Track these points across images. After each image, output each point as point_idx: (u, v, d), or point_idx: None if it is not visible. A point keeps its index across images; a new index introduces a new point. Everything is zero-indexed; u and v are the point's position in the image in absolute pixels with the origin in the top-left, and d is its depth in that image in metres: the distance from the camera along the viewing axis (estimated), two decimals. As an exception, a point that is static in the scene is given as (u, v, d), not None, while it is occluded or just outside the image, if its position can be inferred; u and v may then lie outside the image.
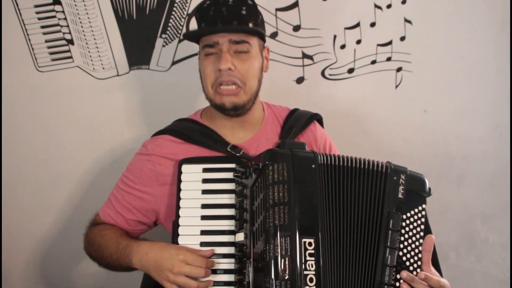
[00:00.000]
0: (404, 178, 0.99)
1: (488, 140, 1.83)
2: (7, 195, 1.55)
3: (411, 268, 0.94)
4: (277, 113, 1.25)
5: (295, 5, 1.53)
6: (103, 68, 1.48)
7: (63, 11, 1.41)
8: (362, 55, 1.64)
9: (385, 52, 1.65)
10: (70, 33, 1.43)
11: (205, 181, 1.05)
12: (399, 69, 1.69)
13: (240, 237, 0.98)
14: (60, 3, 1.40)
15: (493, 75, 1.76)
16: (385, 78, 1.68)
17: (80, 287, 1.69)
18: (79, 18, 1.42)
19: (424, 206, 0.99)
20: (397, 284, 0.92)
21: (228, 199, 1.04)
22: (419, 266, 0.95)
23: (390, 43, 1.65)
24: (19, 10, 1.39)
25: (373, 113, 1.72)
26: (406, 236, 0.96)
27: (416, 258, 0.95)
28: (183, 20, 1.48)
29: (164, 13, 1.46)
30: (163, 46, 1.49)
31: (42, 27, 1.42)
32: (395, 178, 0.98)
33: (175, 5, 1.46)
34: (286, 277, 0.83)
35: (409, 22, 1.64)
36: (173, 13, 1.47)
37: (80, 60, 1.46)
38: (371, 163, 0.99)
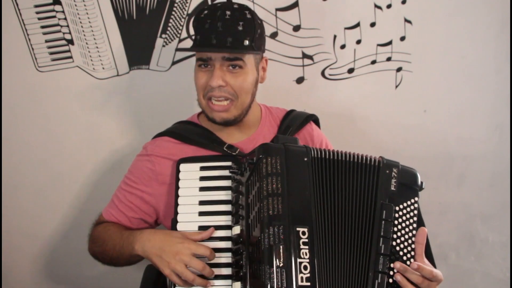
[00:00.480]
0: (396, 172, 1.02)
1: (488, 140, 1.83)
2: (7, 195, 1.55)
3: (404, 258, 0.96)
4: (275, 114, 1.28)
5: (295, 5, 1.54)
6: (103, 68, 1.48)
7: (63, 11, 1.41)
8: (362, 55, 1.64)
9: (385, 52, 1.65)
10: (70, 33, 1.43)
11: (202, 178, 1.08)
12: (399, 69, 1.69)
13: (236, 230, 1.00)
14: (60, 3, 1.40)
15: (493, 75, 1.76)
16: (385, 78, 1.68)
17: (80, 287, 1.69)
18: (79, 18, 1.42)
19: (416, 199, 1.02)
20: (391, 272, 0.94)
21: (225, 195, 1.06)
22: (412, 257, 0.97)
23: (390, 43, 1.65)
24: (19, 10, 1.39)
25: (373, 113, 1.72)
26: (399, 227, 0.98)
27: (409, 248, 0.97)
28: (183, 20, 1.48)
29: (164, 13, 1.46)
30: (163, 46, 1.49)
31: (42, 27, 1.42)
32: (387, 171, 1.01)
33: (175, 5, 1.46)
34: (281, 265, 0.85)
35: (409, 22, 1.64)
36: (173, 13, 1.47)
37: (80, 60, 1.46)
38: (364, 157, 1.02)
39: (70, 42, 1.44)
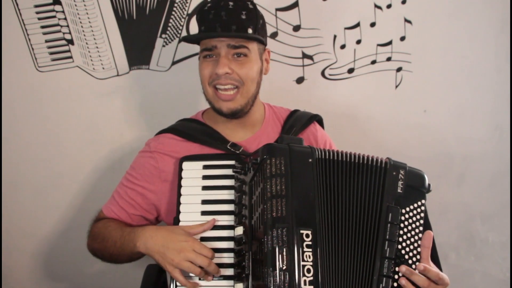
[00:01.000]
0: (403, 174, 1.00)
1: (488, 140, 1.83)
2: (7, 195, 1.55)
3: (409, 261, 0.95)
4: (278, 113, 1.28)
5: (295, 5, 1.54)
6: (103, 68, 1.48)
7: (63, 11, 1.41)
8: (362, 55, 1.64)
9: (385, 52, 1.65)
10: (70, 33, 1.43)
11: (205, 177, 1.07)
12: (399, 69, 1.69)
13: (239, 231, 0.99)
14: (60, 3, 1.40)
15: (493, 75, 1.76)
16: (385, 78, 1.68)
17: (80, 287, 1.69)
18: (79, 18, 1.42)
19: (423, 201, 1.00)
20: (396, 276, 0.93)
21: (228, 195, 1.05)
22: (418, 260, 0.96)
23: (390, 43, 1.65)
24: (19, 10, 1.39)
25: (373, 113, 1.72)
26: (405, 230, 0.97)
27: (415, 252, 0.96)
28: (183, 20, 1.48)
29: (164, 13, 1.46)
30: (163, 46, 1.49)
31: (42, 27, 1.42)
32: (394, 173, 0.99)
33: (175, 5, 1.46)
34: (284, 268, 0.85)
35: (409, 22, 1.64)
36: (173, 13, 1.47)
37: (80, 60, 1.46)
38: (370, 158, 1.00)
39: (70, 42, 1.44)
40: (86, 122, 1.52)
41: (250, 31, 1.07)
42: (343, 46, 1.62)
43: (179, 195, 1.06)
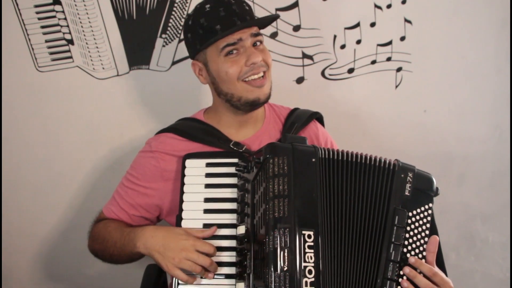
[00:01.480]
0: (411, 176, 0.99)
1: (488, 140, 1.83)
2: (7, 195, 1.55)
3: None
4: (278, 112, 1.27)
5: (295, 5, 1.54)
6: (103, 68, 1.48)
7: (63, 11, 1.41)
8: (362, 55, 1.64)
9: (385, 52, 1.65)
10: (70, 33, 1.43)
11: (208, 175, 1.07)
12: (399, 69, 1.69)
13: (241, 230, 0.99)
14: (60, 3, 1.40)
15: (493, 75, 1.76)
16: (385, 78, 1.68)
17: (80, 287, 1.69)
18: (79, 18, 1.42)
19: (430, 205, 0.99)
20: (400, 280, 0.92)
21: (230, 193, 1.06)
22: None
23: (390, 43, 1.65)
24: (19, 10, 1.39)
25: (373, 113, 1.72)
26: (411, 233, 0.96)
27: (420, 256, 0.95)
28: (183, 20, 1.48)
29: (164, 13, 1.46)
30: (163, 46, 1.49)
31: (42, 27, 1.42)
32: (402, 175, 0.98)
33: (175, 5, 1.46)
34: (285, 269, 0.84)
35: (409, 22, 1.64)
36: (173, 13, 1.47)
37: (80, 60, 1.46)
38: (377, 159, 0.99)
39: (70, 42, 1.44)
40: (86, 122, 1.52)
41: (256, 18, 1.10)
42: (343, 46, 1.62)
43: (182, 193, 1.06)
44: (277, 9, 1.53)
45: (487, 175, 1.87)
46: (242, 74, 1.07)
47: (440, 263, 0.99)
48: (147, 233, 1.00)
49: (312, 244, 0.87)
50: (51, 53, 1.44)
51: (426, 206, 0.98)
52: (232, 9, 1.04)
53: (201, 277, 0.98)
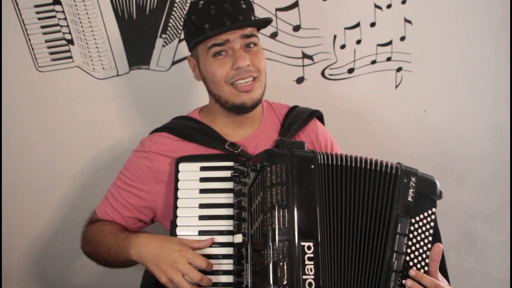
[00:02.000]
0: (414, 181, 0.95)
1: (488, 140, 1.83)
2: (7, 195, 1.55)
3: None
4: (277, 110, 1.24)
5: (295, 5, 1.53)
6: (103, 68, 1.48)
7: (63, 11, 1.41)
8: (362, 55, 1.64)
9: (385, 52, 1.65)
10: (70, 33, 1.43)
11: (202, 180, 1.04)
12: (399, 69, 1.69)
13: (238, 238, 0.97)
14: (60, 3, 1.40)
15: (493, 75, 1.76)
16: (385, 78, 1.68)
17: (80, 287, 1.69)
18: (79, 18, 1.42)
19: (434, 210, 0.95)
20: None
21: (226, 198, 1.02)
22: (426, 273, 0.92)
23: (390, 43, 1.65)
24: (19, 10, 1.39)
25: (373, 113, 1.72)
26: (414, 240, 0.92)
27: (423, 263, 0.92)
28: (183, 20, 1.48)
29: (164, 13, 1.46)
30: (163, 46, 1.49)
31: (42, 27, 1.41)
32: (405, 180, 0.95)
33: (175, 5, 1.46)
34: (284, 282, 0.82)
35: (409, 22, 1.64)
36: (173, 13, 1.47)
37: (80, 60, 1.46)
38: (378, 163, 0.96)
39: (70, 42, 1.44)
40: (86, 122, 1.52)
41: (253, 18, 1.05)
42: (343, 46, 1.62)
43: (176, 198, 1.03)
44: (277, 9, 1.53)
45: (487, 175, 1.87)
46: (229, 77, 1.04)
47: (443, 270, 0.96)
48: (141, 242, 0.97)
49: (312, 255, 0.84)
50: (51, 53, 1.44)
51: (430, 211, 0.95)
52: (223, 7, 1.00)
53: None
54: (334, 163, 0.94)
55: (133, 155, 1.16)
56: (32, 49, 1.43)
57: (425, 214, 0.95)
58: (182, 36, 1.50)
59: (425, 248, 0.93)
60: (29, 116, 1.49)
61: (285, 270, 0.83)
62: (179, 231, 1.01)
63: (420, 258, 0.92)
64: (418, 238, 0.93)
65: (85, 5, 1.41)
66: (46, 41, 1.43)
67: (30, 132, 1.50)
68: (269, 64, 1.52)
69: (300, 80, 1.63)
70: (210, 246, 0.98)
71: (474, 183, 1.86)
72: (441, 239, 0.96)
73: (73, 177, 1.56)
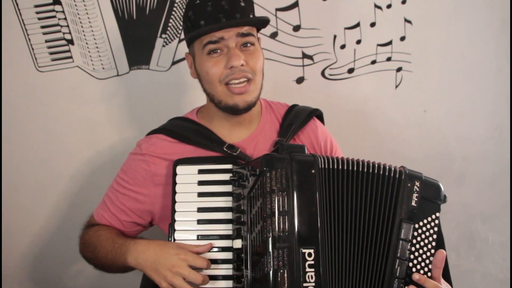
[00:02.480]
0: (418, 185, 0.93)
1: (488, 140, 1.83)
2: (7, 195, 1.55)
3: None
4: (276, 109, 1.21)
5: (295, 5, 1.53)
6: (103, 68, 1.48)
7: (63, 11, 1.41)
8: (362, 55, 1.64)
9: (385, 52, 1.65)
10: (70, 33, 1.43)
11: (201, 183, 1.02)
12: (399, 69, 1.69)
13: (237, 244, 0.95)
14: (60, 3, 1.40)
15: (493, 75, 1.76)
16: (385, 78, 1.68)
17: (81, 287, 1.69)
18: (79, 18, 1.42)
19: (438, 214, 0.93)
20: None
21: (225, 202, 1.00)
22: (429, 278, 0.90)
23: (390, 43, 1.65)
24: (19, 10, 1.39)
25: (373, 113, 1.72)
26: (417, 246, 0.91)
27: (426, 269, 0.91)
28: (182, 15, 1.48)
29: (164, 13, 1.46)
30: (163, 46, 1.49)
31: (42, 27, 1.41)
32: (409, 184, 0.92)
33: (175, 5, 1.46)
34: None
35: (409, 22, 1.64)
36: (173, 13, 1.47)
37: (80, 60, 1.46)
38: (381, 167, 0.94)
39: (70, 42, 1.44)
40: (86, 122, 1.52)
41: (251, 17, 1.03)
42: (343, 46, 1.62)
43: (174, 202, 1.01)
44: (277, 9, 1.53)
45: (487, 175, 1.87)
46: (223, 77, 1.01)
47: (446, 275, 0.95)
48: (138, 248, 0.96)
49: (312, 262, 0.83)
50: (51, 53, 1.44)
51: (433, 216, 0.93)
52: (220, 4, 0.98)
53: None
54: (335, 167, 0.92)
55: (130, 157, 1.14)
56: (32, 49, 1.43)
57: (429, 219, 0.93)
58: (182, 36, 1.50)
59: (428, 254, 0.91)
60: (29, 116, 1.49)
61: (286, 278, 0.82)
62: (177, 235, 0.99)
63: (423, 264, 0.91)
64: (422, 243, 0.91)
65: (85, 5, 1.41)
66: (46, 41, 1.43)
67: (30, 132, 1.50)
68: (269, 64, 1.52)
69: (300, 80, 1.63)
70: (209, 251, 0.97)
71: (474, 183, 1.86)
72: (444, 244, 0.96)
73: (73, 176, 1.56)
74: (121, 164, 1.18)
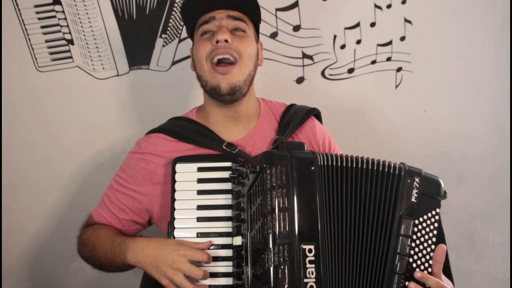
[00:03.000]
0: (418, 181, 0.94)
1: (488, 140, 1.83)
2: (7, 195, 1.55)
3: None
4: (274, 108, 1.23)
5: (295, 5, 1.53)
6: (103, 68, 1.48)
7: (63, 11, 1.41)
8: (362, 55, 1.64)
9: (385, 52, 1.65)
10: (70, 33, 1.43)
11: (200, 181, 1.02)
12: (399, 69, 1.69)
13: (237, 241, 0.95)
14: (60, 3, 1.40)
15: (493, 75, 1.76)
16: (385, 78, 1.68)
17: (81, 287, 1.69)
18: (79, 18, 1.42)
19: (438, 210, 0.94)
20: None
21: (224, 199, 1.01)
22: (429, 274, 0.91)
23: (390, 43, 1.65)
24: (19, 10, 1.39)
25: (373, 113, 1.72)
26: (418, 242, 0.91)
27: (426, 265, 0.91)
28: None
29: (164, 13, 1.46)
30: (163, 46, 1.49)
31: (42, 27, 1.42)
32: (408, 180, 0.93)
33: (175, 5, 1.46)
34: (286, 286, 0.81)
35: (409, 22, 1.64)
36: (173, 13, 1.47)
37: (80, 60, 1.46)
38: (381, 163, 0.94)
39: (70, 42, 1.44)
40: (86, 122, 1.52)
41: (248, 6, 1.08)
42: (343, 46, 1.62)
43: (173, 200, 1.01)
44: (277, 9, 1.53)
45: (487, 175, 1.87)
46: (209, 52, 1.05)
47: (447, 271, 0.95)
48: (138, 246, 0.96)
49: (313, 258, 0.83)
50: (51, 53, 1.44)
51: (434, 212, 0.93)
52: None
53: None
54: (335, 164, 0.92)
55: (129, 156, 1.14)
56: (32, 49, 1.43)
57: (429, 214, 0.93)
58: (182, 36, 1.50)
59: (428, 249, 0.92)
60: (29, 116, 1.49)
61: (286, 274, 0.82)
62: (177, 233, 0.99)
63: (423, 260, 0.91)
64: (422, 239, 0.91)
65: (85, 5, 1.41)
66: (46, 41, 1.43)
67: (30, 132, 1.50)
68: (269, 64, 1.52)
69: (300, 80, 1.63)
70: (210, 248, 0.97)
71: (474, 183, 1.86)
72: (445, 240, 0.96)
73: (72, 176, 1.56)
74: (121, 163, 1.18)
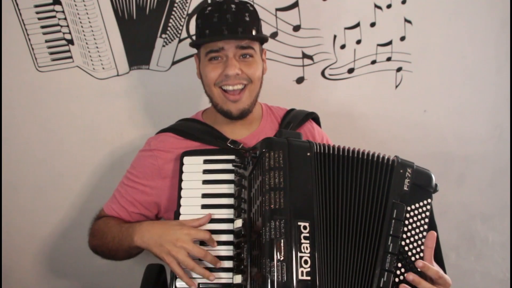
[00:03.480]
0: (410, 172, 1.00)
1: (488, 140, 1.83)
2: (7, 195, 1.55)
3: (412, 258, 0.95)
4: (275, 112, 1.31)
5: (295, 5, 1.54)
6: (103, 68, 1.48)
7: (63, 11, 1.41)
8: (362, 55, 1.64)
9: (385, 52, 1.65)
10: (70, 33, 1.43)
11: (205, 172, 1.09)
12: (399, 69, 1.69)
13: (238, 223, 1.01)
14: (60, 3, 1.40)
15: (493, 75, 1.76)
16: (385, 78, 1.68)
17: (80, 286, 1.69)
18: (79, 18, 1.42)
19: (429, 200, 1.00)
20: (398, 272, 0.93)
21: (228, 189, 1.07)
22: (421, 259, 0.95)
23: (390, 43, 1.65)
24: (19, 10, 1.39)
25: (373, 113, 1.72)
26: (410, 227, 0.96)
27: (418, 249, 0.95)
28: (183, 20, 1.48)
29: (164, 13, 1.46)
30: (163, 46, 1.49)
31: (42, 27, 1.42)
32: (401, 171, 0.99)
33: (175, 5, 1.46)
34: (282, 259, 0.85)
35: (409, 22, 1.64)
36: (173, 13, 1.47)
37: (80, 60, 1.46)
38: (375, 155, 1.01)
39: (70, 42, 1.44)
40: (86, 122, 1.52)
41: (254, 32, 1.11)
42: (343, 46, 1.62)
43: (180, 189, 1.08)
44: (277, 9, 1.53)
45: (487, 175, 1.87)
46: (218, 81, 1.12)
47: (439, 259, 1.00)
48: (144, 227, 1.02)
49: (307, 235, 0.88)
50: (51, 53, 1.44)
51: (425, 202, 0.99)
52: (225, 17, 1.07)
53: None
54: (330, 152, 0.99)
55: (140, 154, 1.22)
56: (32, 49, 1.43)
57: (421, 203, 0.99)
58: (182, 36, 1.50)
59: (420, 235, 0.96)
60: (29, 116, 1.49)
61: (282, 247, 0.86)
62: (182, 218, 1.05)
63: (415, 244, 0.96)
64: (414, 225, 0.97)
65: (85, 5, 1.41)
66: (46, 41, 1.43)
67: (30, 132, 1.50)
68: (269, 64, 1.51)
69: (300, 80, 1.63)
70: (213, 234, 1.01)
71: (474, 183, 1.86)
72: (437, 230, 0.99)
73: (73, 176, 1.56)
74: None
